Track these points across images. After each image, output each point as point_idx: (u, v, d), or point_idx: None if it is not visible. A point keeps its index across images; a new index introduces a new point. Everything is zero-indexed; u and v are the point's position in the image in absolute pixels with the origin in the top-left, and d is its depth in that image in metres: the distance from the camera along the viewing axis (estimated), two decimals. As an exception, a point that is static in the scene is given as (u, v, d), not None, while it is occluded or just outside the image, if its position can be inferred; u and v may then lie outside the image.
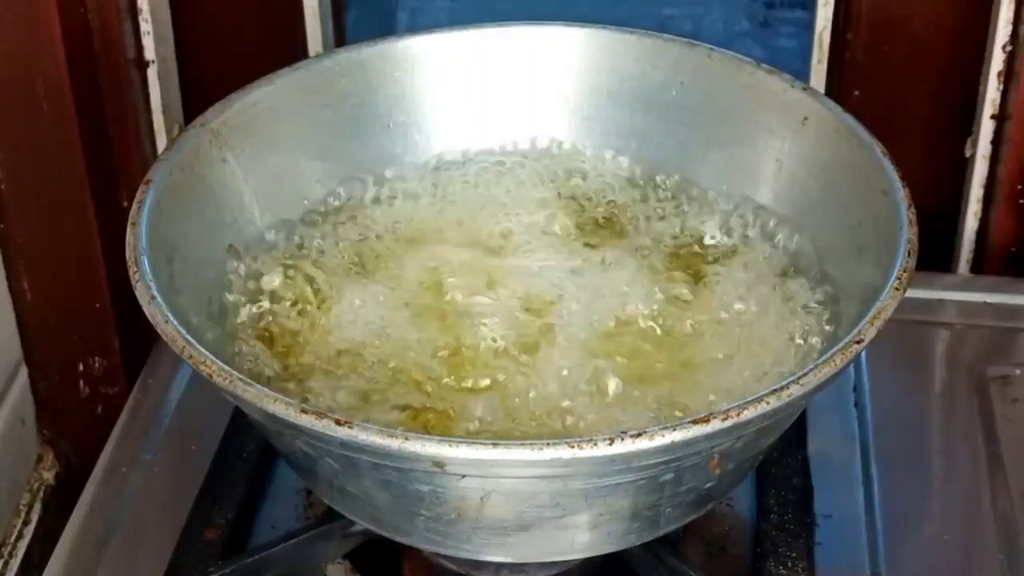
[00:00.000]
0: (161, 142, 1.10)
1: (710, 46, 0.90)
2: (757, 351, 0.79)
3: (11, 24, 0.96)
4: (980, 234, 1.14)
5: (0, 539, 1.05)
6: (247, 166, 0.85)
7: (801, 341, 0.80)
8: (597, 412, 0.76)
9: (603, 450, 0.64)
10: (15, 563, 1.06)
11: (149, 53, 1.07)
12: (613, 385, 0.77)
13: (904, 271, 0.73)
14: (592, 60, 0.92)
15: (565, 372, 0.78)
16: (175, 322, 0.71)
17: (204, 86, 1.11)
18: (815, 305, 0.81)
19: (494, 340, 0.80)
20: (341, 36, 1.21)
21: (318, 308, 0.82)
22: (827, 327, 0.80)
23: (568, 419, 0.75)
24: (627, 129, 0.92)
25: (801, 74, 1.10)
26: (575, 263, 0.85)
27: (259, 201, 0.86)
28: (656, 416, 0.75)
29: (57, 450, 1.13)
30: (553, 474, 0.67)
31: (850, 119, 0.84)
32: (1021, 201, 1.11)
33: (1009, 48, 1.06)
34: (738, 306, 0.82)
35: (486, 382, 0.78)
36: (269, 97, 0.87)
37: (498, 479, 0.68)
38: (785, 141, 0.86)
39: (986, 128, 1.09)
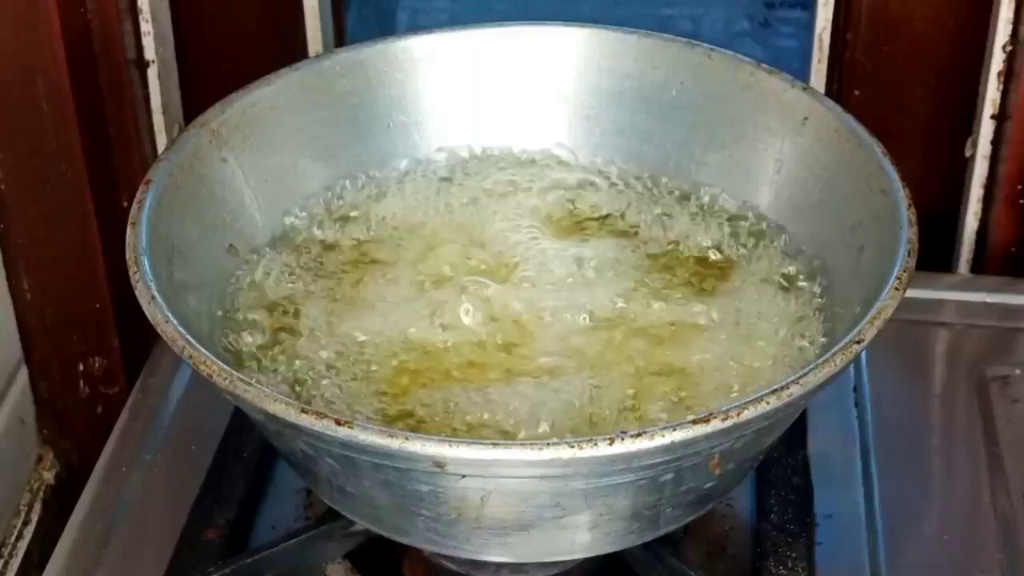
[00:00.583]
0: (161, 142, 1.10)
1: (710, 46, 0.90)
2: (757, 351, 0.79)
3: (11, 24, 0.96)
4: (980, 234, 1.14)
5: (0, 539, 1.05)
6: (247, 166, 0.85)
7: (801, 341, 0.80)
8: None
9: (603, 450, 0.64)
10: (15, 563, 1.06)
11: (149, 53, 1.07)
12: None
13: (904, 271, 0.73)
14: (592, 60, 0.92)
15: (564, 373, 0.78)
16: (175, 322, 0.71)
17: (204, 86, 1.11)
18: (815, 305, 0.81)
19: (494, 339, 0.80)
20: (341, 36, 1.21)
21: (316, 307, 0.82)
22: (827, 327, 0.80)
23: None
24: (627, 129, 0.92)
25: (801, 74, 1.10)
26: (574, 263, 0.85)
27: (259, 201, 0.86)
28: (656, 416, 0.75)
29: (57, 450, 1.12)
30: (553, 474, 0.67)
31: (850, 119, 0.84)
32: (1021, 201, 1.11)
33: (1009, 48, 1.06)
34: (738, 306, 0.82)
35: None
36: (269, 97, 0.87)
37: (498, 479, 0.68)
38: (785, 141, 0.86)
39: (986, 128, 1.09)
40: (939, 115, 1.14)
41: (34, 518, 1.09)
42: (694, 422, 0.65)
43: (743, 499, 0.90)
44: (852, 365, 0.70)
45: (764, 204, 0.88)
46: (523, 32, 0.93)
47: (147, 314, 0.71)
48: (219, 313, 0.81)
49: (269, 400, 0.66)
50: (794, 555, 0.84)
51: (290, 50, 1.15)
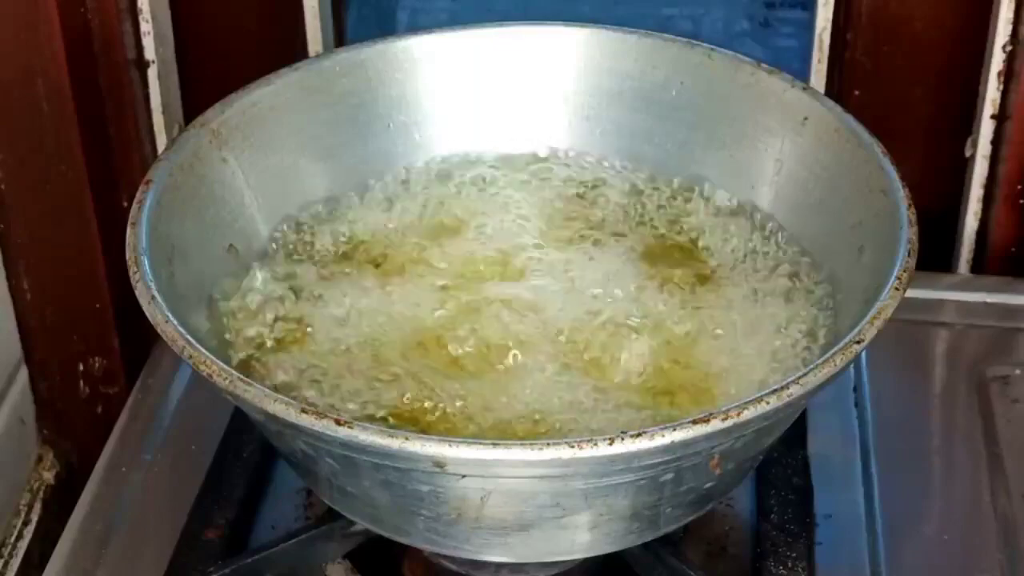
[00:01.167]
0: (161, 142, 1.10)
1: (710, 46, 0.90)
2: (757, 350, 0.79)
3: (11, 24, 0.96)
4: (980, 234, 1.14)
5: (0, 539, 1.05)
6: (247, 166, 0.85)
7: (801, 341, 0.80)
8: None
9: (603, 450, 0.64)
10: (15, 563, 1.06)
11: (149, 53, 1.07)
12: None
13: (904, 271, 0.73)
14: (592, 60, 0.92)
15: (564, 373, 0.78)
16: (175, 322, 0.71)
17: (204, 86, 1.11)
18: (815, 305, 0.81)
19: (495, 339, 0.80)
20: (341, 36, 1.21)
21: (316, 307, 0.82)
22: (826, 327, 0.80)
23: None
24: (627, 129, 0.92)
25: (801, 74, 1.10)
26: (574, 264, 0.85)
27: (259, 201, 0.86)
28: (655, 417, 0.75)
29: (57, 450, 1.12)
30: (553, 474, 0.67)
31: (850, 119, 0.84)
32: (1021, 201, 1.11)
33: (1009, 48, 1.06)
34: (738, 306, 0.82)
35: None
36: (269, 97, 0.87)
37: (498, 479, 0.68)
38: (785, 141, 0.86)
39: (986, 128, 1.09)
40: (939, 115, 1.14)
41: (34, 518, 1.09)
42: (694, 422, 0.65)
43: (743, 499, 0.90)
44: (852, 365, 0.70)
45: (764, 204, 0.88)
46: (523, 32, 0.93)
47: (147, 314, 0.71)
48: (219, 313, 0.81)
49: (269, 400, 0.66)
50: (794, 555, 0.84)
51: (290, 50, 1.15)
